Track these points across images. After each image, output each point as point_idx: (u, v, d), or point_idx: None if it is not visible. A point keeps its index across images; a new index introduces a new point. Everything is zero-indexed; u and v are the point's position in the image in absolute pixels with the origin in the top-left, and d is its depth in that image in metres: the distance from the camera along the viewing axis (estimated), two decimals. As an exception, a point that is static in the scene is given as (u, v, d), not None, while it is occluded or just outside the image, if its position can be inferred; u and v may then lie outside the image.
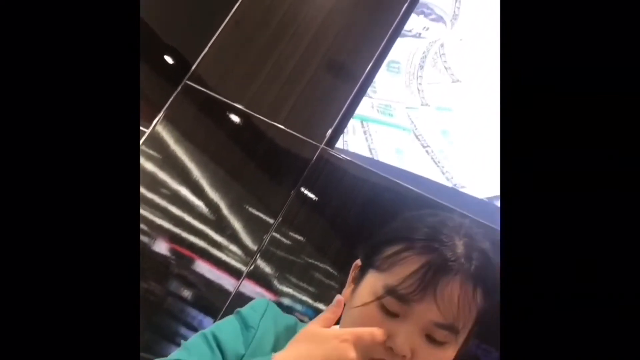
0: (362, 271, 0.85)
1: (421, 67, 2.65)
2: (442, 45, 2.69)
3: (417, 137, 2.55)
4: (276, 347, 0.85)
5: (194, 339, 0.85)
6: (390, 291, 0.77)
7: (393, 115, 2.61)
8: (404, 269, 0.78)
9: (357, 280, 0.85)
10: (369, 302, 0.79)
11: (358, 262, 0.89)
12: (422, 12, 2.76)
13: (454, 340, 0.79)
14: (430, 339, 0.78)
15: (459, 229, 0.82)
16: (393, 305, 0.78)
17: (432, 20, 2.75)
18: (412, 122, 2.58)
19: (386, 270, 0.80)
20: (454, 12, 2.74)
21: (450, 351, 0.79)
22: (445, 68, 2.65)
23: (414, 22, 2.76)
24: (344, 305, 0.83)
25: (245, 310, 0.90)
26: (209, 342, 0.83)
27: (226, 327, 0.87)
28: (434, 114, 2.58)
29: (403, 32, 2.74)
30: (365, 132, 2.60)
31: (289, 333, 0.87)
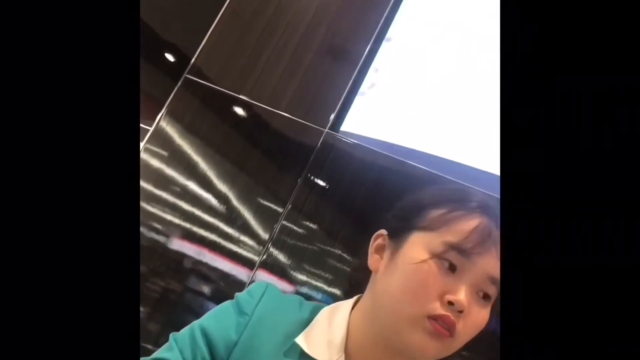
0: (398, 236, 0.85)
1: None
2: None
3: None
4: (276, 330, 0.85)
5: (182, 333, 0.86)
6: (453, 246, 0.78)
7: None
8: (463, 225, 0.80)
9: (392, 246, 0.85)
10: (427, 258, 0.79)
11: (382, 231, 0.89)
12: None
13: (496, 298, 0.80)
14: (479, 295, 0.79)
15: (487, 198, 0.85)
16: (453, 260, 0.79)
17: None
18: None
19: (439, 229, 0.81)
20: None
21: (487, 312, 0.80)
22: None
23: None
24: (375, 272, 0.86)
25: (242, 295, 0.89)
26: (194, 336, 0.84)
27: (218, 314, 0.88)
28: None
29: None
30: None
31: (291, 314, 0.88)
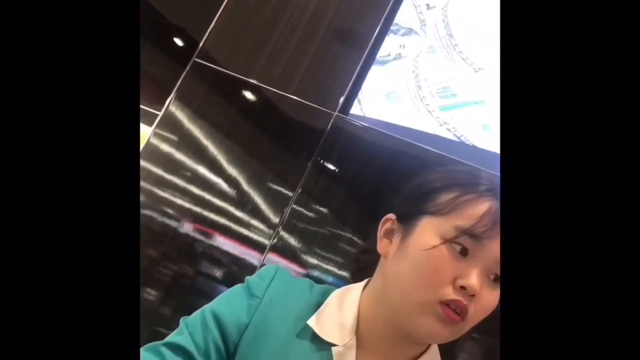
0: (407, 221, 0.85)
1: (420, 88, 2.58)
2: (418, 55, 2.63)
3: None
4: (287, 313, 0.86)
5: (192, 317, 0.87)
6: (465, 231, 0.78)
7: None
8: (474, 209, 0.79)
9: (402, 231, 0.85)
10: (439, 244, 0.79)
11: (391, 215, 0.89)
12: (392, 32, 2.69)
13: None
14: (490, 278, 0.79)
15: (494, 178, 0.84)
16: (466, 244, 0.79)
17: (404, 35, 2.68)
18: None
19: (449, 214, 0.81)
20: (420, 19, 2.67)
21: (497, 294, 0.80)
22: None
23: (389, 45, 2.68)
24: (385, 258, 0.86)
25: (252, 278, 0.90)
26: (205, 320, 0.85)
27: (229, 297, 0.89)
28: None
29: (382, 59, 2.67)
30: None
31: (302, 297, 0.89)
